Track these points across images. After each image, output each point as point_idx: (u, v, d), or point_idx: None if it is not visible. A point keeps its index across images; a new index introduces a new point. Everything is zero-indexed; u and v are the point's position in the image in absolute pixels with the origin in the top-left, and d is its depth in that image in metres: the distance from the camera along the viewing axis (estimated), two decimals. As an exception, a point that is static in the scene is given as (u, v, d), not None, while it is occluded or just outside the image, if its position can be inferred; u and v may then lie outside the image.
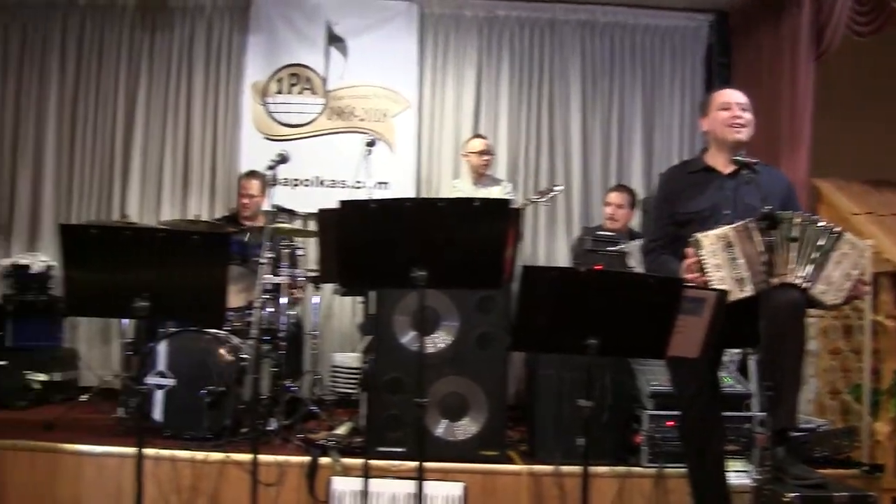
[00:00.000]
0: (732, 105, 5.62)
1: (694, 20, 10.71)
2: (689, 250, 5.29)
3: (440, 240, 4.79)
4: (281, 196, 7.27)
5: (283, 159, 6.39)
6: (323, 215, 7.15)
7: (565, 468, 6.50)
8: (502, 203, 5.07)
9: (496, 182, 9.46)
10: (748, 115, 5.64)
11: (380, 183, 9.80)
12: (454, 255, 4.81)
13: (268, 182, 6.21)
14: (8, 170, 10.53)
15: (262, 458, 6.13)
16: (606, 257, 7.66)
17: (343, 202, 4.87)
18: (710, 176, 5.65)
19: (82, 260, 4.75)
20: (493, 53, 10.69)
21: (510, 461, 6.73)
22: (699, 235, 5.25)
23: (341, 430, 7.21)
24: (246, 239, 8.09)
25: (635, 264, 7.59)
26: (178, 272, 4.78)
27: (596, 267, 5.96)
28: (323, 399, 8.36)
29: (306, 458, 6.56)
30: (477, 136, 9.72)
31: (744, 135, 5.59)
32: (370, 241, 4.83)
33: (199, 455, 6.59)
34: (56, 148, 10.52)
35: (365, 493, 6.02)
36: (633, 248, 7.74)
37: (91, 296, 4.84)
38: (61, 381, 9.18)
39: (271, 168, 6.28)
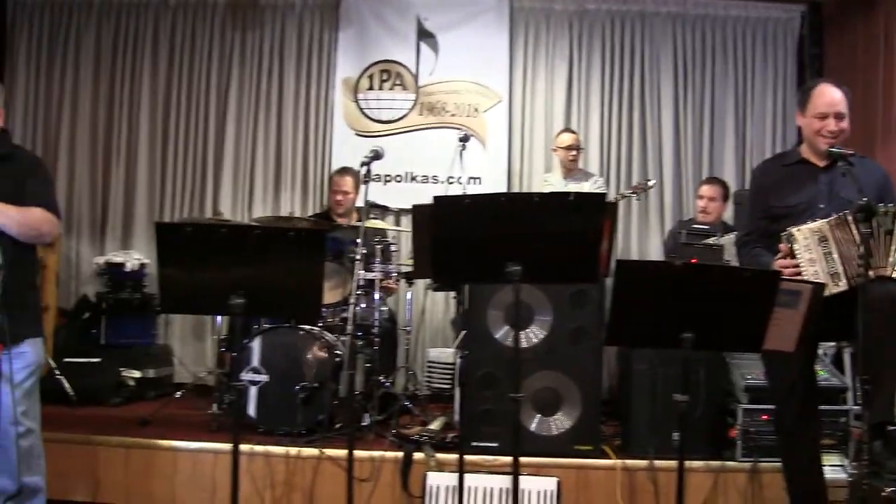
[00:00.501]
0: (829, 116, 5.50)
1: (786, 11, 10.55)
2: (783, 245, 5.24)
3: (535, 234, 4.73)
4: (373, 192, 7.29)
5: (376, 155, 6.38)
6: (417, 211, 7.17)
7: (659, 463, 6.48)
8: (598, 197, 5.03)
9: (588, 176, 9.43)
10: (844, 124, 5.51)
11: (472, 178, 9.81)
12: (549, 249, 4.75)
13: (361, 178, 6.20)
14: (101, 168, 10.70)
15: (357, 453, 6.09)
16: (701, 250, 7.58)
17: (437, 198, 4.84)
18: (806, 169, 5.57)
19: (178, 258, 4.76)
20: (583, 47, 10.62)
21: (604, 456, 6.66)
22: (793, 229, 5.19)
23: (435, 425, 7.20)
24: (339, 235, 8.11)
25: (730, 258, 7.52)
26: (274, 269, 4.77)
27: (691, 260, 5.90)
28: (416, 394, 8.36)
29: (400, 454, 6.57)
30: (566, 130, 9.68)
31: (835, 146, 5.50)
32: (464, 237, 4.80)
33: (294, 451, 6.62)
34: (149, 146, 10.66)
35: (460, 488, 6.00)
36: (728, 241, 7.67)
37: (187, 293, 4.84)
38: (155, 377, 9.28)
39: (365, 164, 6.27)
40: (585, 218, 4.73)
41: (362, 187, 6.35)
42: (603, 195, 5.08)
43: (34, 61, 10.82)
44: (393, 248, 8.23)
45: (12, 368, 5.10)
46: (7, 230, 5.14)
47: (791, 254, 5.18)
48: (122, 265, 9.63)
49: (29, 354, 5.34)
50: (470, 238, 4.81)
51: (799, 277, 5.05)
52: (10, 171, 5.35)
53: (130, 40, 10.79)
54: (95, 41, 10.79)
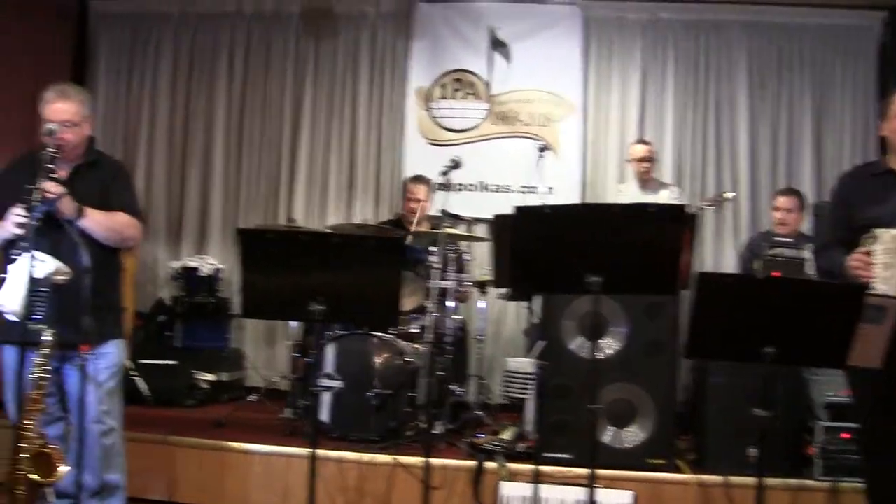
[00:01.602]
0: None
1: (866, 18, 10.33)
2: (863, 247, 5.15)
3: (614, 245, 4.73)
4: (445, 200, 7.30)
5: (456, 164, 6.38)
6: (498, 221, 7.15)
7: (735, 479, 6.35)
8: (678, 208, 5.02)
9: (663, 186, 9.36)
10: None
11: (536, 188, 9.79)
12: (628, 260, 4.75)
13: (435, 186, 6.18)
14: (178, 174, 10.87)
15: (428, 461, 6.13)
16: (783, 263, 7.49)
17: (518, 208, 4.86)
18: (891, 180, 5.48)
19: (260, 264, 4.82)
20: (657, 56, 10.52)
21: (678, 470, 6.59)
22: (880, 230, 5.08)
23: (506, 434, 7.19)
24: (413, 243, 8.11)
25: (811, 270, 7.44)
26: (354, 276, 4.82)
27: (773, 273, 5.84)
28: (488, 403, 8.36)
29: (471, 463, 6.56)
30: (640, 141, 9.61)
31: None
32: (544, 247, 4.80)
33: (366, 457, 6.65)
34: (224, 153, 10.81)
35: (535, 499, 5.98)
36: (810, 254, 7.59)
37: (268, 299, 4.91)
38: (228, 381, 9.43)
39: (445, 173, 6.27)
40: (665, 229, 4.71)
41: (440, 195, 6.33)
42: (684, 206, 5.04)
43: (114, 71, 11.04)
44: (466, 256, 8.22)
45: (97, 368, 5.27)
46: (93, 234, 5.27)
47: (868, 252, 5.09)
48: (197, 270, 9.80)
49: (112, 355, 5.50)
50: (549, 248, 4.80)
51: (867, 279, 4.96)
52: (96, 177, 5.51)
53: (208, 50, 10.97)
54: (173, 51, 10.97)
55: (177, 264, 10.04)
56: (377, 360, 7.30)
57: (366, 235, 5.03)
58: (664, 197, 9.08)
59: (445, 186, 6.34)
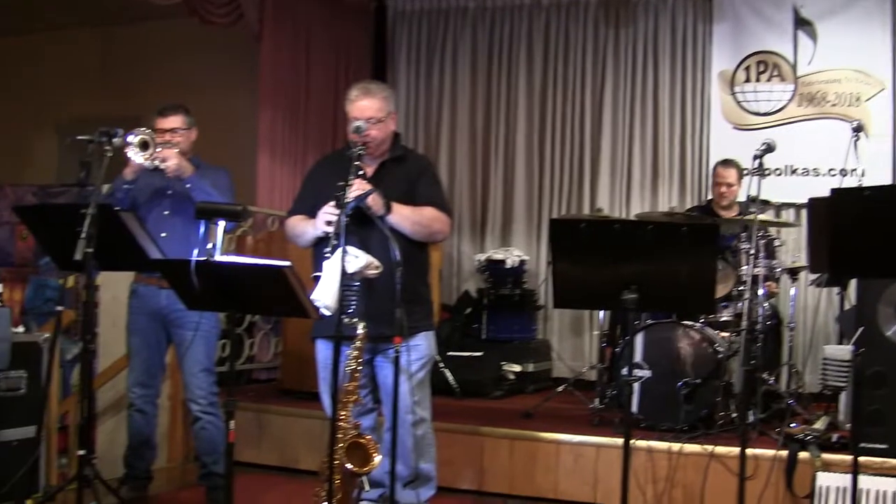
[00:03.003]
0: None
1: None
2: None
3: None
4: (754, 186, 7.17)
5: (769, 148, 6.27)
6: (814, 204, 6.97)
7: None
8: None
9: None
10: None
11: (853, 170, 9.48)
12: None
13: (743, 171, 6.06)
14: (480, 167, 11.10)
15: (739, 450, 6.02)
16: None
17: (834, 190, 4.72)
18: None
19: (572, 254, 4.84)
20: (974, 27, 9.97)
21: None
22: None
23: (818, 424, 7.01)
24: (724, 230, 7.98)
25: None
26: (667, 264, 4.78)
27: None
28: (800, 392, 8.15)
29: (784, 452, 6.41)
30: (958, 120, 9.19)
31: None
32: (862, 230, 4.65)
33: (676, 447, 6.60)
34: (526, 144, 10.93)
35: (853, 490, 5.79)
36: None
37: (580, 289, 4.94)
38: (534, 371, 9.50)
39: (758, 157, 6.19)
40: None
41: (753, 180, 6.21)
42: None
43: (414, 67, 11.38)
44: (776, 243, 8.04)
45: (408, 360, 5.39)
46: (401, 229, 5.39)
47: None
48: (502, 262, 9.95)
49: (423, 347, 5.63)
50: (868, 231, 4.64)
51: None
52: (403, 173, 5.65)
53: (505, 42, 11.12)
54: (471, 44, 11.19)
55: (482, 256, 10.22)
56: (686, 349, 7.21)
57: (680, 223, 4.95)
58: None
59: (759, 171, 6.18)
